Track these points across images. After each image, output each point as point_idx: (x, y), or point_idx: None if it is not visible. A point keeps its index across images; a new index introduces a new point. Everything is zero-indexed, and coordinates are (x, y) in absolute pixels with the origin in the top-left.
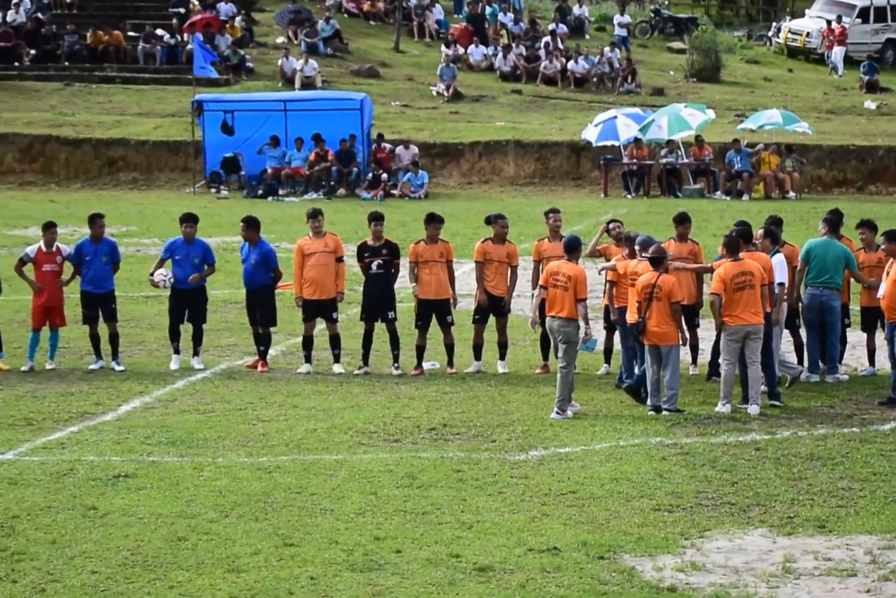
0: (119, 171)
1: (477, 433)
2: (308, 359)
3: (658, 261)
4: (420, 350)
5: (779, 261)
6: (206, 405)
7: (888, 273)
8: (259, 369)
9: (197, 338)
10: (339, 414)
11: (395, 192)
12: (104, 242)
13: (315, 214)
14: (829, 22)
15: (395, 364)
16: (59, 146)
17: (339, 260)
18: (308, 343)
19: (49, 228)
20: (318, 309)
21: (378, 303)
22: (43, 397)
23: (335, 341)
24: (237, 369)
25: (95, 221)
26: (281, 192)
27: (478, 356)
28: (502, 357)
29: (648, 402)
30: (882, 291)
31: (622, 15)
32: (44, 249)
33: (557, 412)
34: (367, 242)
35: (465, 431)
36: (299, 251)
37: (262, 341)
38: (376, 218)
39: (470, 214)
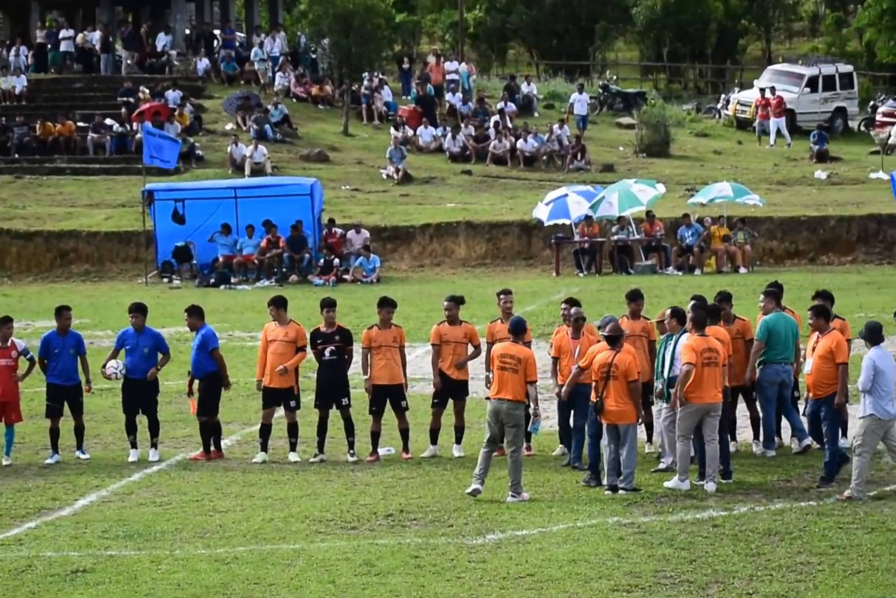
0: (71, 263)
1: (434, 518)
2: (264, 447)
3: (615, 339)
4: (375, 436)
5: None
6: (163, 498)
7: (813, 348)
8: (205, 457)
9: (153, 429)
10: (295, 503)
11: (347, 277)
12: (70, 334)
13: (273, 303)
14: (762, 91)
15: (351, 451)
16: (11, 239)
17: (300, 349)
18: (265, 431)
19: (5, 323)
20: (276, 396)
21: (331, 389)
22: None
23: (293, 430)
24: (192, 460)
25: (62, 313)
26: (233, 280)
27: (434, 440)
28: (458, 441)
29: (605, 481)
30: (808, 366)
31: (580, 93)
32: None
33: (512, 495)
34: (319, 328)
35: (421, 516)
36: (264, 335)
37: (206, 431)
38: (328, 305)
39: (422, 297)
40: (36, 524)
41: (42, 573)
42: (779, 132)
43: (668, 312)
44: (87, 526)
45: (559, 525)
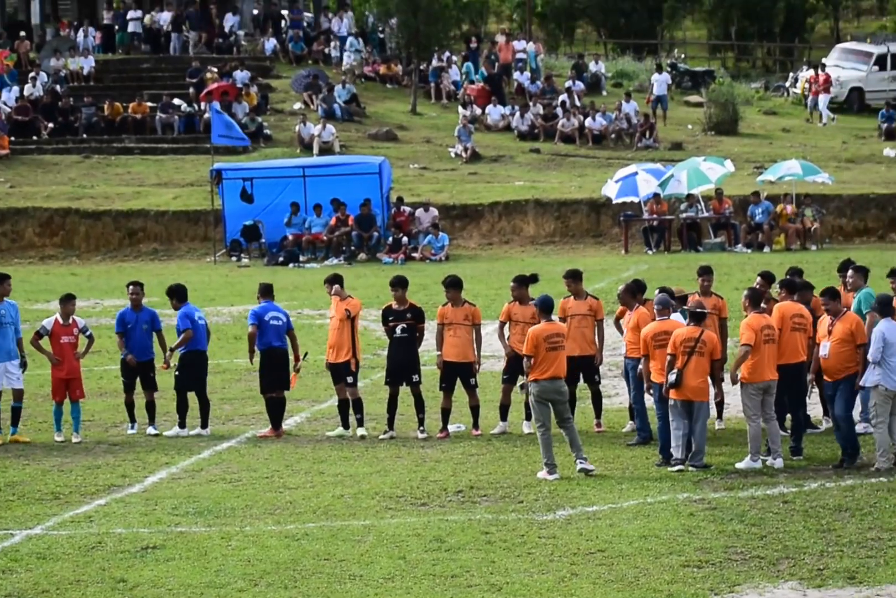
0: (139, 242)
1: (504, 495)
2: (343, 423)
3: (700, 316)
4: (445, 413)
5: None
6: (233, 474)
7: (830, 332)
8: (274, 434)
9: (200, 408)
10: (365, 479)
11: (415, 255)
12: (144, 310)
13: (327, 281)
14: (815, 68)
15: (421, 428)
16: (79, 219)
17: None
18: (341, 406)
19: (68, 300)
20: (337, 371)
21: (402, 367)
22: (69, 470)
23: (356, 405)
24: (259, 440)
25: (129, 288)
26: (302, 258)
27: (504, 417)
28: (528, 417)
29: (675, 457)
30: (824, 350)
31: (660, 73)
32: (61, 321)
33: (582, 460)
34: (391, 305)
35: (492, 492)
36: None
37: (274, 408)
38: (398, 283)
39: (491, 276)
40: (106, 501)
41: (112, 549)
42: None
43: (621, 287)
44: (157, 503)
45: (629, 501)
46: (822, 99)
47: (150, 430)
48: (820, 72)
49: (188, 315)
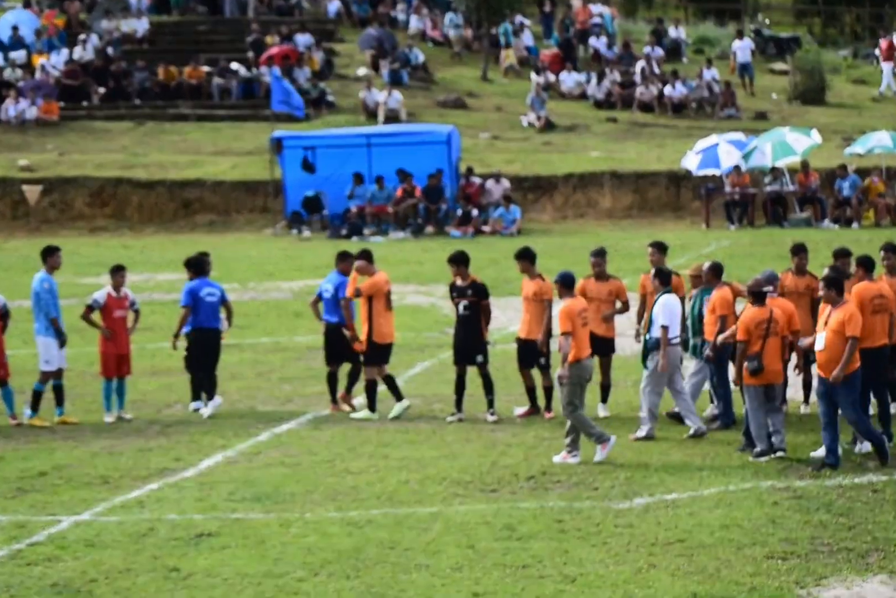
0: (195, 213)
1: (578, 481)
2: (398, 397)
3: (761, 296)
4: (530, 392)
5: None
6: (292, 458)
7: (826, 322)
8: (334, 408)
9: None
10: (432, 464)
11: (485, 228)
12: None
13: (358, 257)
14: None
15: (490, 410)
16: (132, 189)
17: (371, 297)
18: (388, 383)
19: (118, 271)
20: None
21: (465, 346)
22: (119, 453)
23: (367, 386)
24: (324, 418)
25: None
26: (366, 231)
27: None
28: (604, 400)
29: (758, 447)
30: (820, 342)
31: (741, 39)
32: (113, 294)
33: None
34: (455, 281)
35: (565, 479)
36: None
37: (333, 382)
38: (455, 260)
39: (565, 251)
40: (158, 486)
41: (165, 536)
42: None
43: (707, 265)
44: (213, 488)
45: (710, 489)
46: (886, 67)
47: (195, 405)
48: (893, 39)
49: (192, 291)
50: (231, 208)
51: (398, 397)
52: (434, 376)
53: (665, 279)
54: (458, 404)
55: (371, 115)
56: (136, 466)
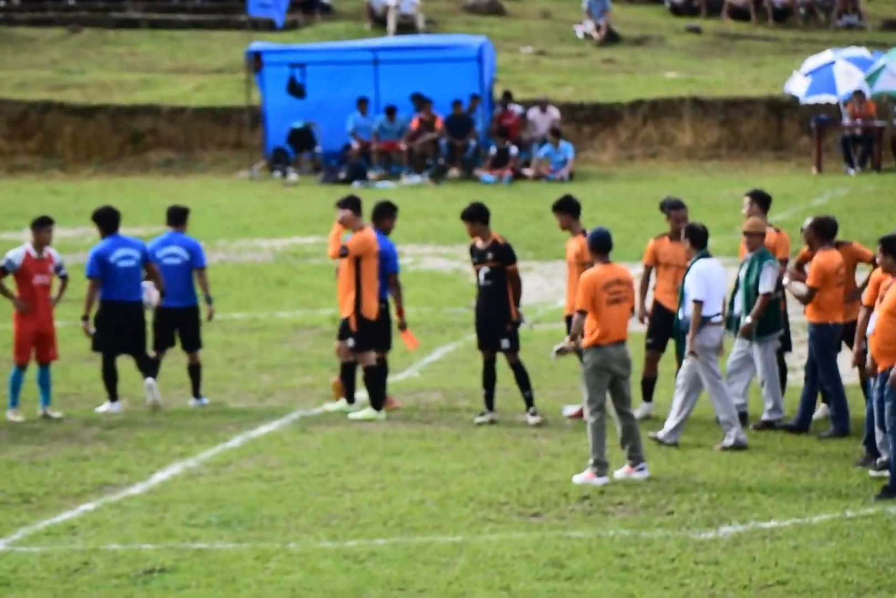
0: (147, 149)
1: (647, 503)
2: (349, 396)
3: None
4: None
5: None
6: (273, 471)
7: (881, 299)
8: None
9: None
10: (455, 479)
11: (527, 172)
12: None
13: (342, 204)
14: None
15: (530, 409)
16: (63, 116)
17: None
18: (347, 371)
19: (43, 224)
20: (343, 328)
21: (488, 326)
22: (45, 463)
23: (368, 378)
24: (315, 419)
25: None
26: (371, 174)
27: (648, 396)
28: (647, 397)
29: (881, 459)
30: (871, 325)
31: None
32: (33, 254)
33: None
34: (475, 242)
35: (630, 499)
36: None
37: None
38: (468, 215)
39: (631, 201)
40: (96, 506)
41: (103, 573)
42: None
43: (812, 222)
44: (167, 509)
45: (821, 516)
46: None
47: (193, 402)
48: None
49: (99, 256)
50: (194, 144)
51: (349, 396)
52: (458, 365)
53: (698, 238)
54: (489, 400)
55: (379, 22)
56: (67, 480)
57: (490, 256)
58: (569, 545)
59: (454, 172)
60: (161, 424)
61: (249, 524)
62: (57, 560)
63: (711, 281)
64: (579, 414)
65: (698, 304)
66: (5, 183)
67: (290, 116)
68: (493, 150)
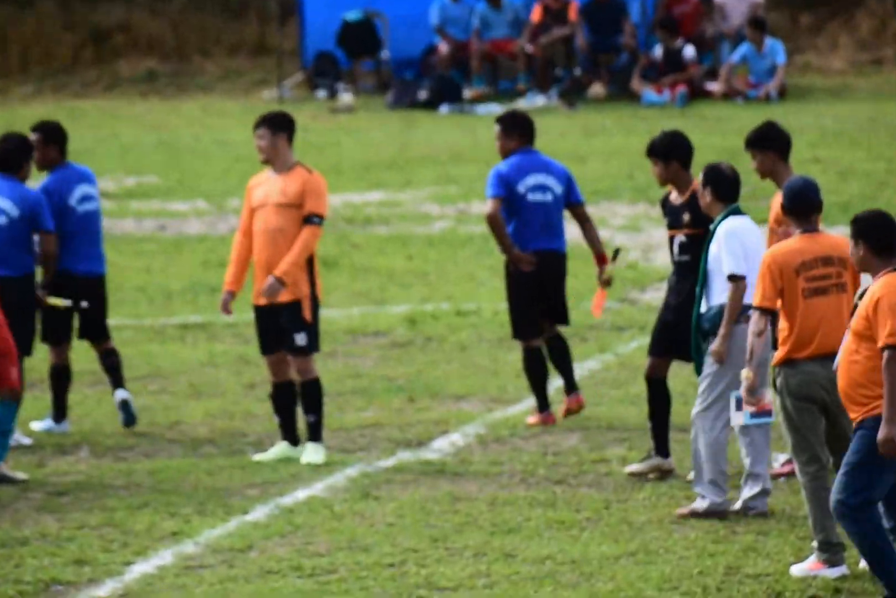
0: (118, 55)
1: None
2: (286, 432)
3: None
4: None
5: None
6: (317, 559)
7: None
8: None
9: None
10: (604, 572)
11: (712, 87)
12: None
13: (264, 123)
14: None
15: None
16: (3, 12)
17: (310, 221)
18: (275, 398)
19: None
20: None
21: (677, 325)
22: None
23: (307, 393)
24: (384, 476)
25: None
26: (466, 92)
27: None
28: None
29: None
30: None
31: None
32: None
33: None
34: (668, 195)
35: None
36: (247, 198)
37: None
38: (657, 150)
39: (877, 132)
40: None
41: None
42: None
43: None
44: None
45: None
46: None
47: (119, 394)
48: None
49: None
50: (190, 47)
51: (289, 434)
52: (607, 390)
53: (724, 186)
54: (659, 440)
55: None
56: None
57: (687, 218)
58: None
59: (597, 88)
60: (142, 485)
61: None
62: None
63: (750, 250)
64: (791, 470)
65: (737, 281)
66: None
67: (339, 4)
68: (657, 52)
